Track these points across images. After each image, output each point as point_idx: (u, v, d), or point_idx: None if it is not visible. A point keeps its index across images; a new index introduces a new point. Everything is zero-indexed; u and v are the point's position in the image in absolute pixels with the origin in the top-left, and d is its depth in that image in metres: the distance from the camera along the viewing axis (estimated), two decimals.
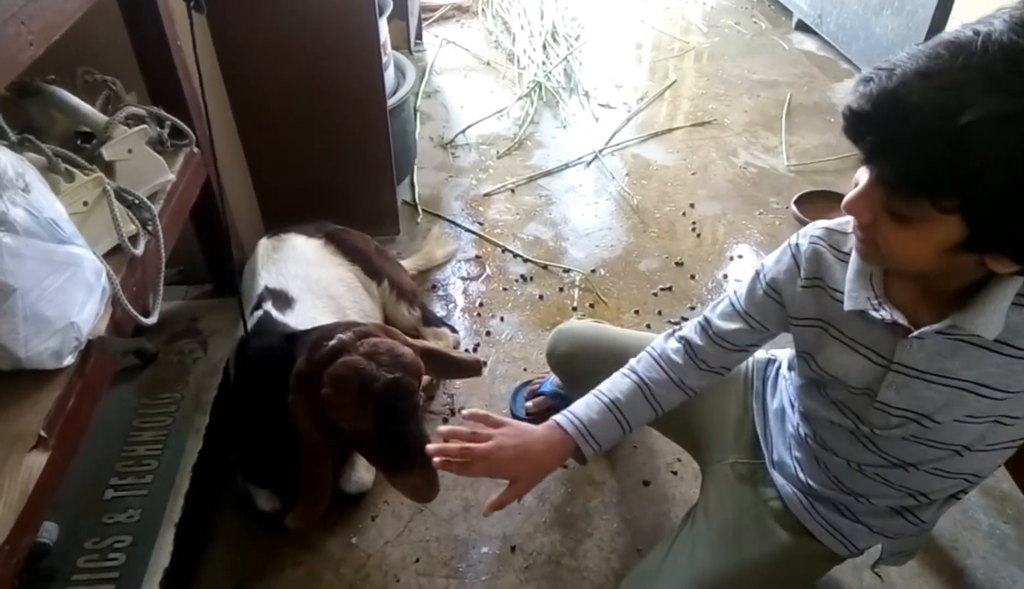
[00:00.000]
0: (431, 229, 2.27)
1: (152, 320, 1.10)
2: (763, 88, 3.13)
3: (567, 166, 2.61)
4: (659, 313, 1.97)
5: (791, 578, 1.08)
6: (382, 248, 1.82)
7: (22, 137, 1.03)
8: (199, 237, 1.58)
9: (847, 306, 0.88)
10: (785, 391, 1.15)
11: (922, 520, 1.01)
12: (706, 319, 1.09)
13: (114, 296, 1.01)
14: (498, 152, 2.69)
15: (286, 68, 1.79)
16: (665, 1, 4.02)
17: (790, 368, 1.13)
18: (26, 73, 1.19)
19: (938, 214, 0.69)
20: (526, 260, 2.16)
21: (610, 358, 1.19)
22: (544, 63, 3.22)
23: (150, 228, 1.15)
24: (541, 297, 2.04)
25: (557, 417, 1.07)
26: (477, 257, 2.19)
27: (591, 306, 2.00)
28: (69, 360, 0.92)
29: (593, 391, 1.10)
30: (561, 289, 2.06)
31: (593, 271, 2.13)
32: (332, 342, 1.08)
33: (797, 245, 0.98)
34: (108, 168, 1.14)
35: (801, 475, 1.07)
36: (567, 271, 2.13)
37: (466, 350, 1.86)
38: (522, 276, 2.11)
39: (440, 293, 2.06)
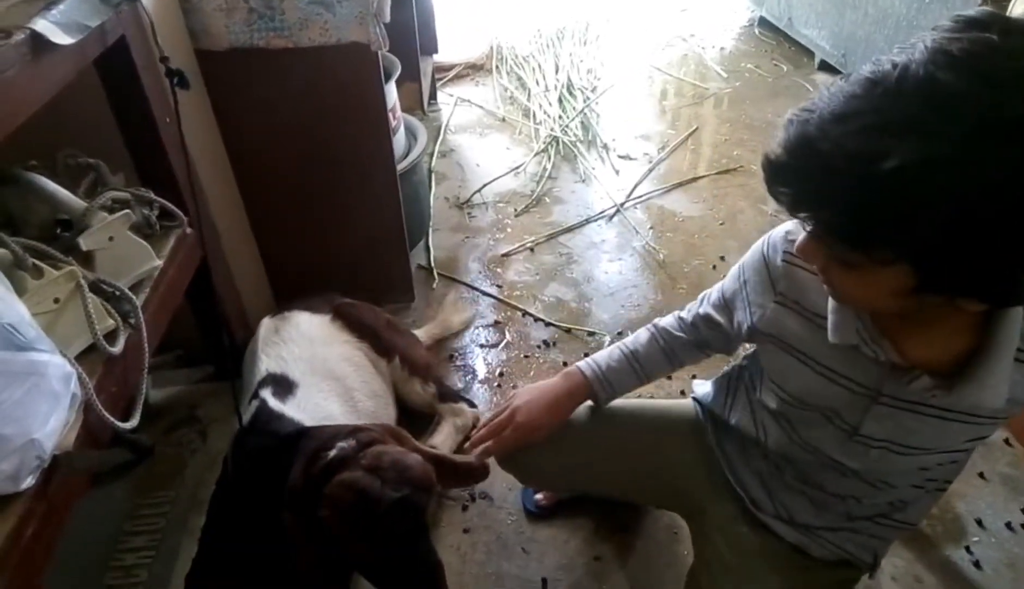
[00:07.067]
0: (447, 294, 2.16)
1: (132, 424, 0.99)
2: None
3: (588, 221, 2.51)
4: (693, 376, 1.82)
5: None
6: (394, 320, 1.72)
7: None
8: (197, 319, 1.49)
9: (832, 338, 0.82)
10: (741, 425, 1.09)
11: (901, 521, 0.99)
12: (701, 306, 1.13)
13: (86, 402, 0.91)
14: (516, 210, 2.60)
15: (291, 141, 1.72)
16: (681, 48, 3.97)
17: (756, 393, 1.06)
18: (5, 159, 1.13)
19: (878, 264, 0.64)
20: (548, 324, 2.05)
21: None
22: (560, 117, 3.15)
23: (132, 321, 1.05)
24: (565, 364, 1.91)
25: (579, 363, 1.16)
26: (496, 323, 2.07)
27: None
28: (28, 482, 0.82)
29: (616, 343, 1.17)
30: (586, 354, 1.92)
31: (620, 333, 1.99)
32: (331, 452, 0.96)
33: (769, 257, 0.92)
34: (87, 258, 1.06)
35: (782, 511, 1.04)
36: (592, 334, 2.00)
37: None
38: (544, 342, 1.98)
39: (458, 363, 1.94)
